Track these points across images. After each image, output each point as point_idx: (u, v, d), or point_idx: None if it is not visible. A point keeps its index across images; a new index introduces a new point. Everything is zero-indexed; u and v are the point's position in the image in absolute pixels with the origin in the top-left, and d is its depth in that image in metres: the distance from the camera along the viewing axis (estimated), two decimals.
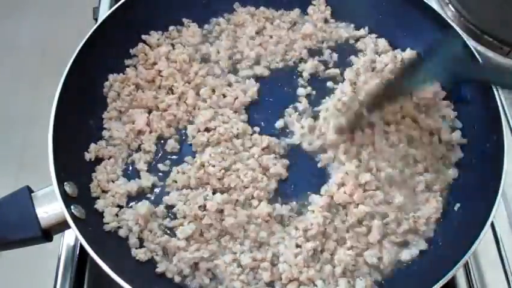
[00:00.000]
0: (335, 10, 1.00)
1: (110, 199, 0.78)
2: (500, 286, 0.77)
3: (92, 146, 0.82)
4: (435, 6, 0.98)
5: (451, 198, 0.78)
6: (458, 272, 0.77)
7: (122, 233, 0.76)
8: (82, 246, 0.76)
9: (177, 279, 0.73)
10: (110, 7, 1.02)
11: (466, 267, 0.79)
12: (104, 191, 0.79)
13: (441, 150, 0.82)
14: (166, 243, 0.74)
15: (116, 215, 0.77)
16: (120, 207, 0.78)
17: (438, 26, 0.89)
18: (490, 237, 0.79)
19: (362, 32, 0.98)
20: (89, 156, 0.81)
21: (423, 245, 0.75)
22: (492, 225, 0.78)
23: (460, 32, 0.86)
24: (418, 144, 0.82)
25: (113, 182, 0.80)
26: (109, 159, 0.83)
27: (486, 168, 0.76)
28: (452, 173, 0.81)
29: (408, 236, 0.75)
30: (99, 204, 0.77)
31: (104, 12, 1.01)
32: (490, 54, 0.99)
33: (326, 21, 0.99)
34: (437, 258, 0.72)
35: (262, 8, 1.00)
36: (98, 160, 0.82)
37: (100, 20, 0.89)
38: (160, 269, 0.73)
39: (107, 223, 0.76)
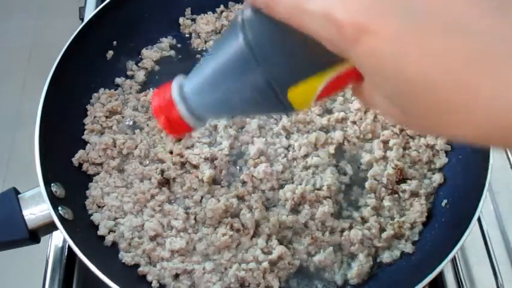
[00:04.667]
0: None
1: (106, 213, 0.76)
2: (488, 280, 0.78)
3: (80, 152, 0.81)
4: None
5: (438, 194, 0.79)
6: (446, 267, 0.78)
7: (112, 237, 0.74)
8: (70, 248, 0.76)
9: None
10: (96, 7, 1.01)
11: (454, 262, 0.79)
12: (100, 207, 0.77)
13: (427, 154, 0.80)
14: (151, 252, 0.72)
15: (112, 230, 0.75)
16: (116, 218, 0.76)
17: None
18: (477, 232, 0.79)
19: None
20: (76, 161, 0.80)
21: (409, 248, 0.74)
22: (479, 220, 0.79)
23: None
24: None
25: (108, 195, 0.77)
26: (99, 173, 0.81)
27: (473, 164, 0.76)
28: (438, 177, 0.79)
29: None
30: (95, 217, 0.75)
31: (90, 12, 1.00)
32: None
33: None
34: (425, 253, 0.73)
35: None
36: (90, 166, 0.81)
37: (86, 20, 0.88)
38: (143, 270, 0.72)
39: (103, 236, 0.74)
